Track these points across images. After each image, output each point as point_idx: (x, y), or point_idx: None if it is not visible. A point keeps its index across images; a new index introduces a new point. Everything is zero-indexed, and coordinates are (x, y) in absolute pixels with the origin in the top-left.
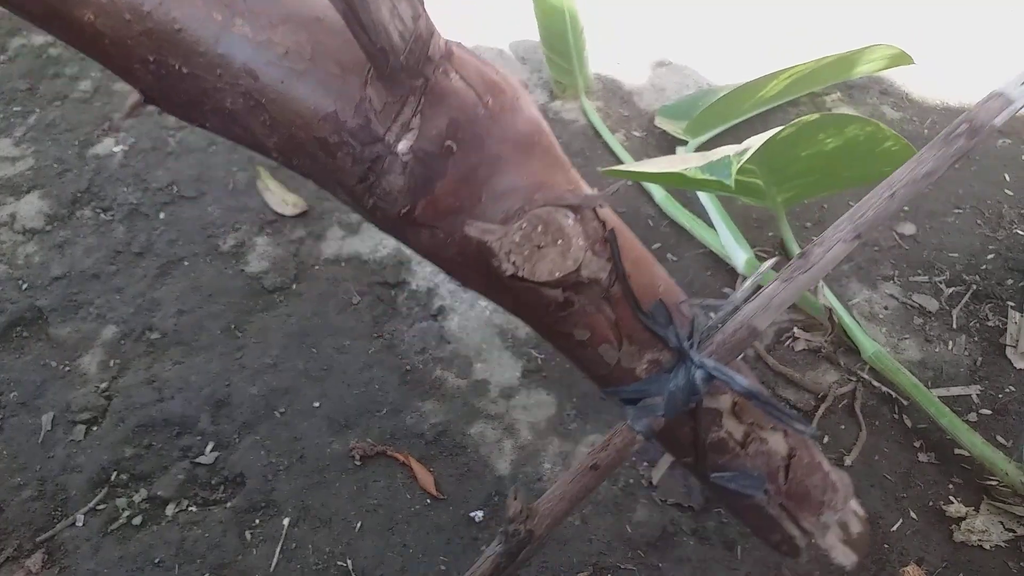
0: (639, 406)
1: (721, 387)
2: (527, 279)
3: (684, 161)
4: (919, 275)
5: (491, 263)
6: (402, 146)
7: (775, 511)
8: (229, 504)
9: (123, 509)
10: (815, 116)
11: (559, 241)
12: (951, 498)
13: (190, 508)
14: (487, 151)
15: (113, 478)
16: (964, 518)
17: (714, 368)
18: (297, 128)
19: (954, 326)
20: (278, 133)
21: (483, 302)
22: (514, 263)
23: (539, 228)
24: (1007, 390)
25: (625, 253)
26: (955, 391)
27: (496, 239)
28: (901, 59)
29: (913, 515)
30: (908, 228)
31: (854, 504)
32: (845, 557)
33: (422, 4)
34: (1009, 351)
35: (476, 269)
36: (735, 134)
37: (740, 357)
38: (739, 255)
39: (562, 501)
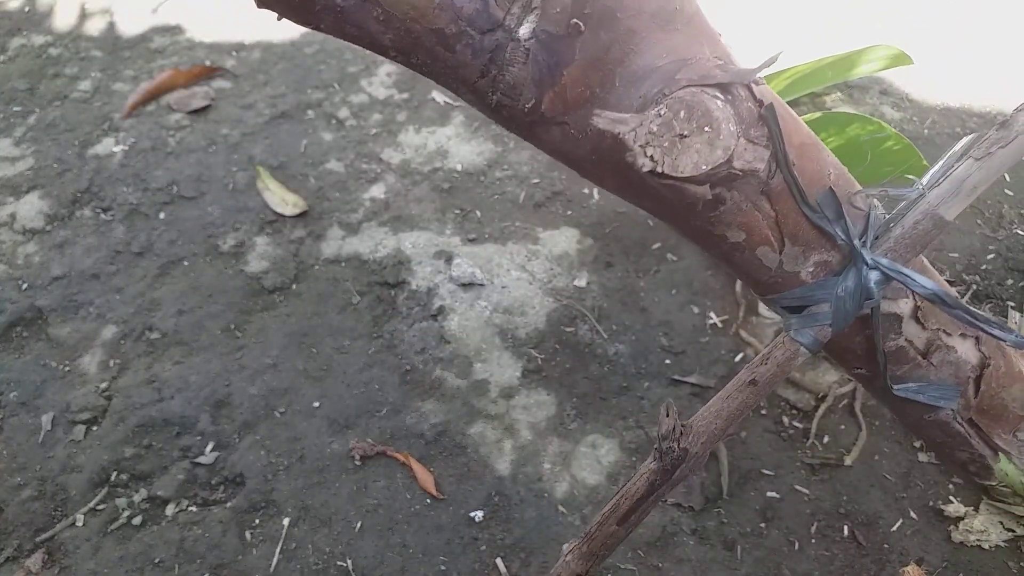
0: (803, 314)
1: (901, 289)
2: (668, 175)
3: None
4: None
5: (625, 159)
6: (524, 30)
7: (963, 427)
8: (229, 504)
9: (123, 509)
10: (817, 114)
11: (706, 128)
12: (951, 498)
13: (190, 508)
14: (620, 27)
15: (113, 478)
16: (963, 518)
17: (890, 268)
18: (412, 20)
19: None
20: (393, 28)
21: (483, 302)
22: (652, 157)
23: (682, 113)
24: None
25: (788, 137)
26: None
27: (630, 130)
28: (901, 59)
29: (913, 515)
30: None
31: None
32: None
33: None
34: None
35: (613, 168)
36: None
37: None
38: None
39: (718, 418)
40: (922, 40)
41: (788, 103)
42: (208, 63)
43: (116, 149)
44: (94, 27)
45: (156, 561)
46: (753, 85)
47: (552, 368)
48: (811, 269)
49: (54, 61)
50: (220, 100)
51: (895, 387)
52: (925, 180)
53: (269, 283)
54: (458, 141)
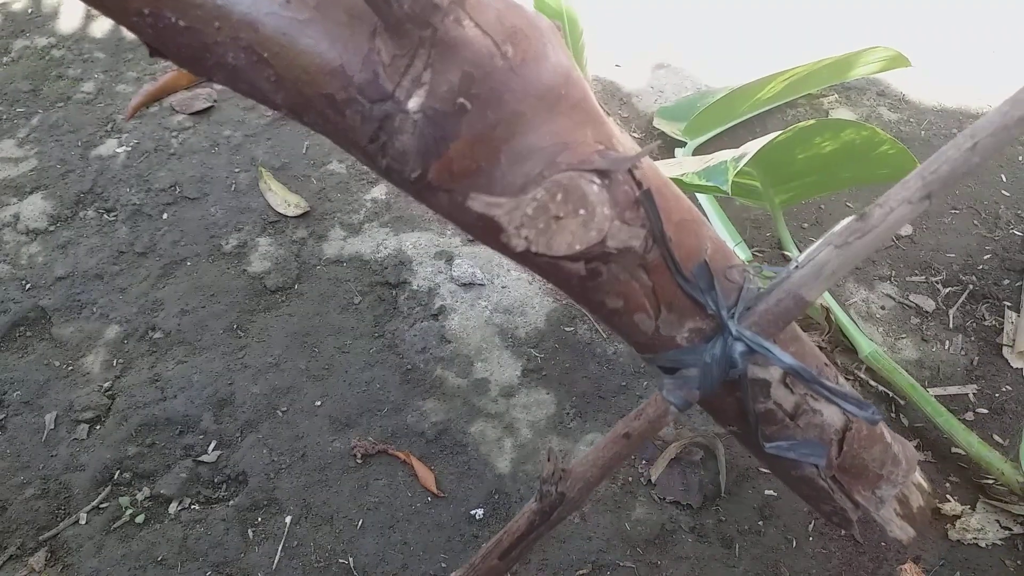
0: (675, 376)
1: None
2: (543, 254)
3: (682, 166)
4: (916, 275)
5: (500, 239)
6: (412, 103)
7: (826, 483)
8: (231, 502)
9: (126, 507)
10: (812, 121)
11: (581, 211)
12: (948, 497)
13: (193, 506)
14: (506, 108)
15: (116, 477)
16: (960, 516)
17: (752, 340)
18: (303, 84)
19: (951, 326)
20: (284, 89)
21: (483, 302)
22: (526, 238)
23: (559, 196)
24: (1003, 389)
25: (668, 214)
26: (952, 390)
27: (504, 213)
28: (898, 61)
29: None
30: (905, 228)
31: (917, 476)
32: (902, 531)
33: None
34: (1006, 351)
35: (493, 239)
36: (733, 135)
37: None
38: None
39: (594, 467)
40: (919, 42)
41: (786, 104)
42: None
43: (119, 150)
44: (97, 29)
45: (159, 559)
46: (634, 168)
47: (552, 367)
48: (686, 334)
49: (57, 63)
50: (222, 102)
51: (766, 445)
52: (800, 259)
53: (271, 283)
54: None
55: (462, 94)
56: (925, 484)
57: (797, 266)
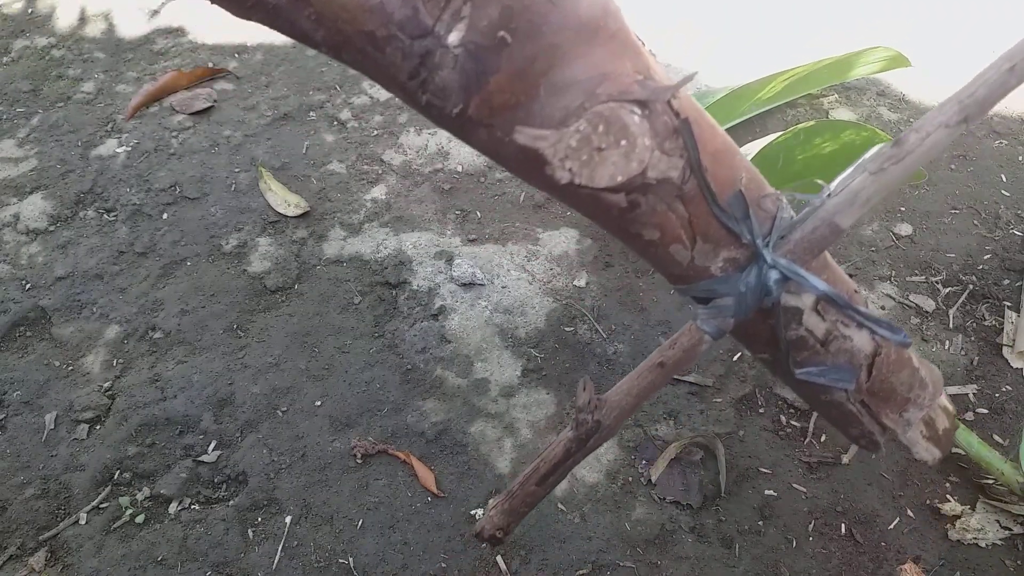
0: (709, 306)
1: (804, 285)
2: (586, 186)
3: None
4: (916, 275)
5: (544, 172)
6: (452, 38)
7: (855, 407)
8: (231, 502)
9: (126, 507)
10: (812, 122)
11: (622, 142)
12: (948, 496)
13: (193, 506)
14: (544, 41)
15: (116, 477)
16: (960, 516)
17: (787, 268)
18: (343, 22)
19: (951, 326)
20: (324, 27)
21: (483, 302)
22: (570, 170)
23: (600, 128)
24: (1004, 389)
25: (704, 145)
26: (952, 390)
27: (549, 145)
28: (898, 61)
29: (910, 513)
30: (905, 228)
31: (943, 400)
32: (927, 453)
33: None
34: (1006, 351)
35: (536, 172)
36: (733, 135)
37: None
38: None
39: (629, 395)
40: (919, 42)
41: (786, 104)
42: (211, 65)
43: (119, 150)
44: (97, 29)
45: (159, 559)
46: (672, 99)
47: (552, 367)
48: (720, 264)
49: (57, 63)
50: (223, 102)
51: (797, 371)
52: (833, 186)
53: (271, 283)
54: (458, 142)
55: (502, 27)
56: (950, 407)
57: (830, 194)
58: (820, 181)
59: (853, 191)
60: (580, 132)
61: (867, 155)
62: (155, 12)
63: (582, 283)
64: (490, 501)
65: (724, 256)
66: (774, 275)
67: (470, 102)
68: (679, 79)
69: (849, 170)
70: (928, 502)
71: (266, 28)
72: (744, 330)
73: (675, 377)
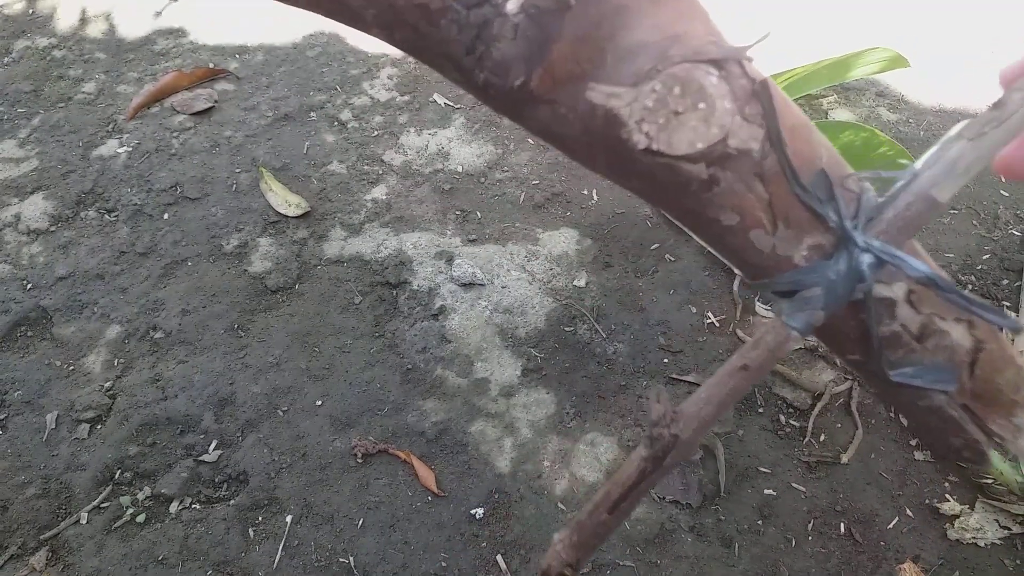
0: (795, 298)
1: (895, 273)
2: (663, 152)
3: None
4: None
5: (620, 136)
6: (511, 5)
7: (957, 412)
8: (232, 502)
9: (127, 507)
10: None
11: (700, 104)
12: (947, 496)
13: (193, 506)
14: (609, 2)
15: (117, 476)
16: (959, 516)
17: (883, 250)
18: None
19: None
20: (375, 4)
21: (483, 302)
22: (647, 134)
23: (676, 90)
24: None
25: (780, 118)
26: None
27: (625, 104)
28: (897, 62)
29: (909, 513)
30: None
31: None
32: None
33: None
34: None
35: (604, 147)
36: None
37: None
38: None
39: (708, 404)
40: (919, 43)
41: None
42: (211, 65)
43: (120, 150)
44: (98, 29)
45: (160, 559)
46: (745, 62)
47: (552, 367)
48: (804, 253)
49: (58, 63)
50: (223, 102)
51: (891, 372)
52: (919, 164)
53: (272, 283)
54: (459, 143)
55: None
56: None
57: (918, 171)
58: (903, 160)
59: (950, 160)
60: (656, 92)
61: (954, 130)
62: (156, 13)
63: (582, 283)
64: (554, 535)
65: (808, 243)
66: (867, 259)
67: (532, 74)
68: (758, 38)
69: (936, 146)
70: (927, 502)
71: (267, 28)
72: (831, 329)
73: (674, 377)
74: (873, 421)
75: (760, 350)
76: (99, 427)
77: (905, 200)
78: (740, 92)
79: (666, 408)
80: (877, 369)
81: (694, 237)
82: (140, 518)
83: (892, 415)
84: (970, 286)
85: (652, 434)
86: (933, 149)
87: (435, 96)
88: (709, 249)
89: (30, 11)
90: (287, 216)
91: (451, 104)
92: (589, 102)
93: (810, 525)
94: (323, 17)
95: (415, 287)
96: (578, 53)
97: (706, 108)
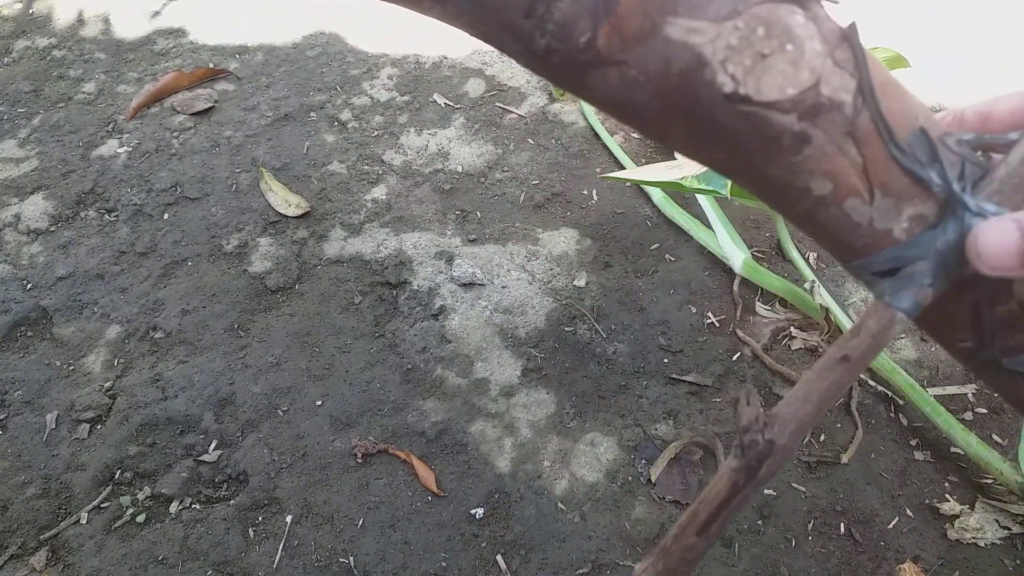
0: (898, 276)
1: None
2: (751, 99)
3: (681, 168)
4: None
5: (703, 79)
6: None
7: None
8: (232, 502)
9: (127, 507)
10: None
11: (788, 46)
12: (947, 496)
13: (193, 506)
14: None
15: (117, 476)
16: (959, 516)
17: (999, 213)
18: None
19: None
20: None
21: (483, 302)
22: (733, 76)
23: (760, 31)
24: None
25: (872, 73)
26: (951, 390)
27: (708, 41)
28: (897, 62)
29: (909, 513)
30: None
31: None
32: None
33: None
34: None
35: (681, 109)
36: None
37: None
38: (736, 256)
39: (807, 403)
40: (918, 43)
41: None
42: (211, 65)
43: (120, 150)
44: (97, 29)
45: (160, 559)
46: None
47: (552, 367)
48: (905, 225)
49: (58, 63)
50: (223, 102)
51: (1005, 360)
52: None
53: (272, 283)
54: (459, 143)
55: None
56: None
57: None
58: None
59: None
60: (739, 30)
61: None
62: (156, 13)
63: (582, 283)
64: (636, 565)
65: (909, 214)
66: (979, 222)
67: (598, 31)
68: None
69: None
70: (927, 502)
71: (267, 28)
72: (938, 312)
73: (674, 377)
74: (873, 421)
75: (862, 337)
76: (99, 427)
77: (1019, 155)
78: (829, 34)
79: (757, 411)
80: (991, 357)
81: (693, 238)
82: (140, 518)
83: (892, 415)
84: None
85: (744, 441)
86: None
87: (435, 96)
88: (710, 249)
89: (29, 11)
90: (287, 216)
91: (451, 104)
92: (663, 56)
93: (810, 525)
94: (330, 14)
95: (415, 287)
96: (647, 5)
97: (794, 50)
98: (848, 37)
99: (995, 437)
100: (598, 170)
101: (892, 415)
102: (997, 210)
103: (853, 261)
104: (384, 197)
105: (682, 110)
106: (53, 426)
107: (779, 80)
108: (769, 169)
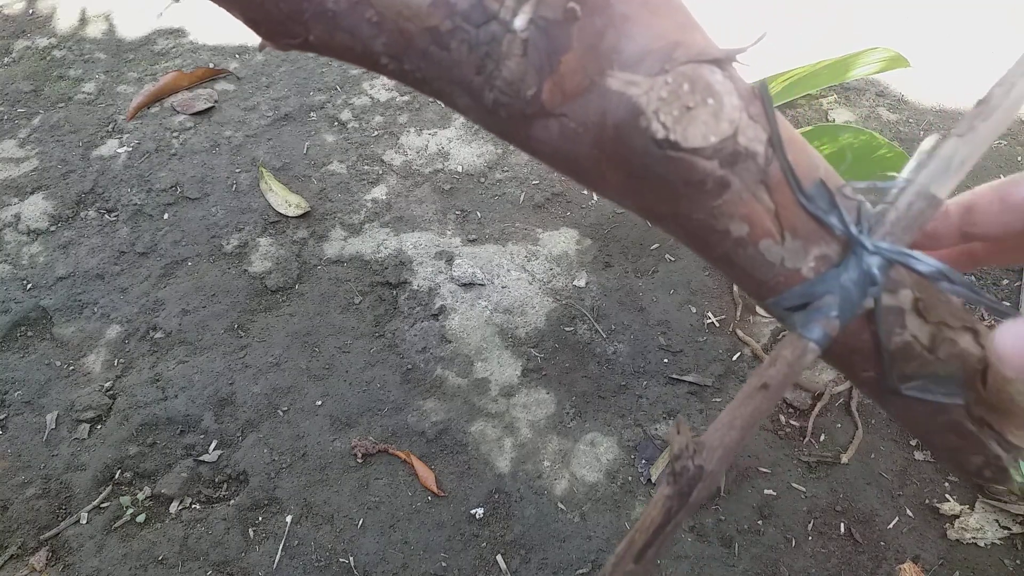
0: (808, 310)
1: (899, 281)
2: (679, 144)
3: None
4: None
5: (638, 125)
6: (519, 21)
7: (975, 426)
8: (232, 502)
9: (127, 507)
10: (810, 128)
11: (709, 100)
12: (946, 496)
13: (194, 506)
14: (613, 12)
15: (117, 476)
16: (959, 516)
17: (892, 251)
18: (405, 20)
19: None
20: (385, 32)
21: (483, 302)
22: (664, 124)
23: (685, 86)
24: None
25: (780, 127)
26: None
27: (643, 92)
28: (897, 62)
29: (909, 513)
30: None
31: None
32: None
33: None
34: None
35: (614, 157)
36: None
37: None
38: None
39: (731, 429)
40: (919, 43)
41: (785, 105)
42: (211, 65)
43: (120, 150)
44: (98, 29)
45: (159, 559)
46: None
47: (551, 367)
48: (812, 264)
49: (58, 63)
50: (223, 102)
51: (903, 387)
52: (906, 172)
53: (272, 283)
54: (459, 143)
55: None
56: None
57: (914, 172)
58: (891, 173)
59: (945, 157)
60: (668, 84)
61: (924, 145)
62: (158, 14)
63: (582, 283)
64: None
65: (815, 254)
66: (876, 262)
67: (543, 87)
68: (751, 41)
69: (914, 160)
70: (927, 501)
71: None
72: (844, 346)
73: (674, 376)
74: (873, 421)
75: (779, 367)
76: (99, 427)
77: (906, 200)
78: (744, 91)
79: (687, 438)
80: (892, 385)
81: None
82: (140, 518)
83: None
84: None
85: (675, 468)
86: (914, 159)
87: None
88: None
89: (30, 11)
90: (287, 216)
91: None
92: (600, 109)
93: (810, 525)
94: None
95: (415, 287)
96: (586, 64)
97: (715, 104)
98: (760, 94)
99: None
100: None
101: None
102: (891, 247)
103: (768, 299)
104: (384, 197)
105: (617, 158)
106: (53, 426)
107: (703, 129)
108: (694, 213)
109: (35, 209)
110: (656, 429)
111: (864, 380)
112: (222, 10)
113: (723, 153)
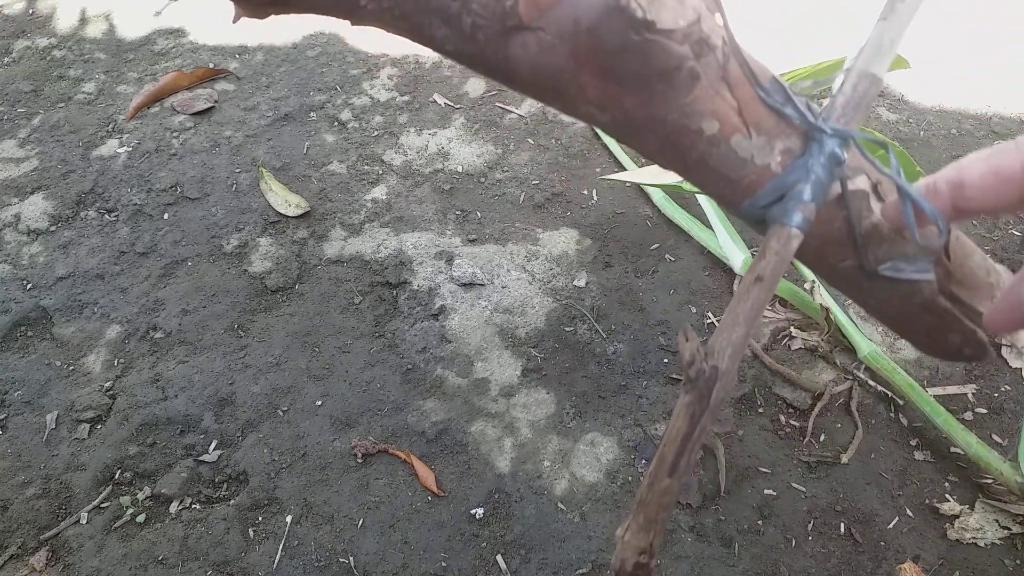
0: (784, 200)
1: (857, 168)
2: (655, 24)
3: None
4: None
5: (615, 15)
6: None
7: (947, 303)
8: (232, 502)
9: (127, 507)
10: None
11: None
12: (947, 496)
13: (193, 506)
14: None
15: (117, 476)
16: (959, 516)
17: (845, 131)
18: None
19: None
20: None
21: (483, 302)
22: (641, 6)
23: None
24: (1002, 389)
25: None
26: (951, 390)
27: None
28: (897, 63)
29: (909, 513)
30: None
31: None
32: None
33: None
34: (1005, 350)
35: (591, 61)
36: None
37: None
38: (736, 255)
39: (736, 326)
40: (918, 43)
41: None
42: (211, 65)
43: (120, 150)
44: (98, 29)
45: (159, 559)
46: None
47: (552, 367)
48: (779, 159)
49: (58, 63)
50: (223, 102)
51: (880, 268)
52: (849, 60)
53: (272, 283)
54: (459, 143)
55: None
56: None
57: (855, 56)
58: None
59: (876, 39)
60: None
61: (848, 62)
62: (156, 13)
63: (582, 283)
64: (617, 531)
65: (780, 148)
66: (835, 143)
67: (519, 2)
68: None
69: (853, 54)
70: (927, 501)
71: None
72: (819, 238)
73: (674, 377)
74: (873, 421)
75: (768, 257)
76: (99, 427)
77: (851, 82)
78: None
79: (696, 344)
80: (869, 268)
81: (693, 238)
82: (140, 518)
83: (892, 415)
84: None
85: (691, 374)
86: (847, 65)
87: (435, 96)
88: (710, 249)
89: (30, 11)
90: (287, 216)
91: (451, 104)
92: (572, 17)
93: (810, 525)
94: (322, 17)
95: (415, 287)
96: None
97: None
98: None
99: (995, 437)
100: (598, 170)
101: (892, 415)
102: (844, 128)
103: (744, 202)
104: (384, 197)
105: (594, 62)
106: (53, 426)
107: (672, 13)
108: (668, 114)
109: (35, 209)
110: (656, 429)
111: (842, 273)
112: (222, 10)
113: (692, 39)
